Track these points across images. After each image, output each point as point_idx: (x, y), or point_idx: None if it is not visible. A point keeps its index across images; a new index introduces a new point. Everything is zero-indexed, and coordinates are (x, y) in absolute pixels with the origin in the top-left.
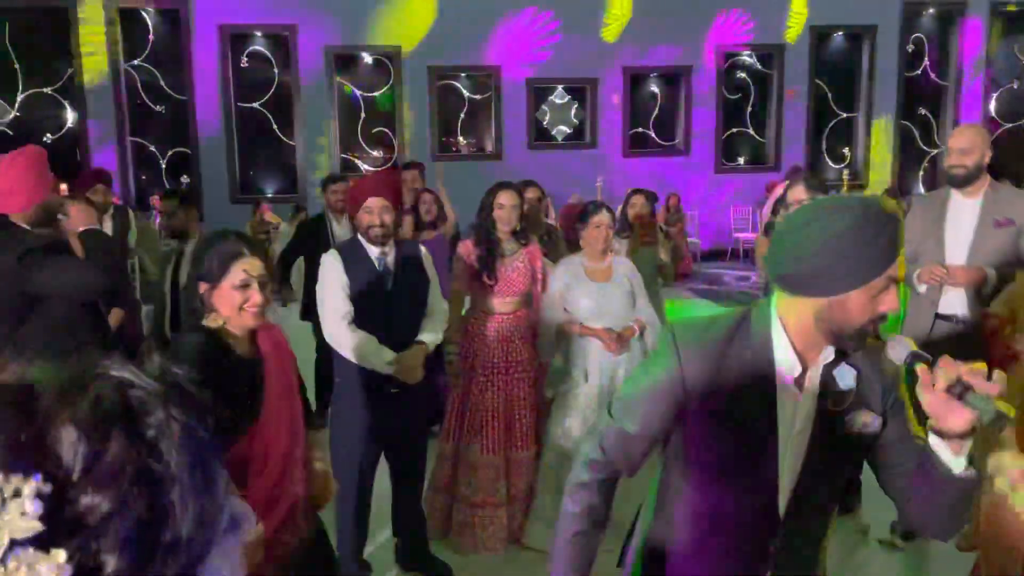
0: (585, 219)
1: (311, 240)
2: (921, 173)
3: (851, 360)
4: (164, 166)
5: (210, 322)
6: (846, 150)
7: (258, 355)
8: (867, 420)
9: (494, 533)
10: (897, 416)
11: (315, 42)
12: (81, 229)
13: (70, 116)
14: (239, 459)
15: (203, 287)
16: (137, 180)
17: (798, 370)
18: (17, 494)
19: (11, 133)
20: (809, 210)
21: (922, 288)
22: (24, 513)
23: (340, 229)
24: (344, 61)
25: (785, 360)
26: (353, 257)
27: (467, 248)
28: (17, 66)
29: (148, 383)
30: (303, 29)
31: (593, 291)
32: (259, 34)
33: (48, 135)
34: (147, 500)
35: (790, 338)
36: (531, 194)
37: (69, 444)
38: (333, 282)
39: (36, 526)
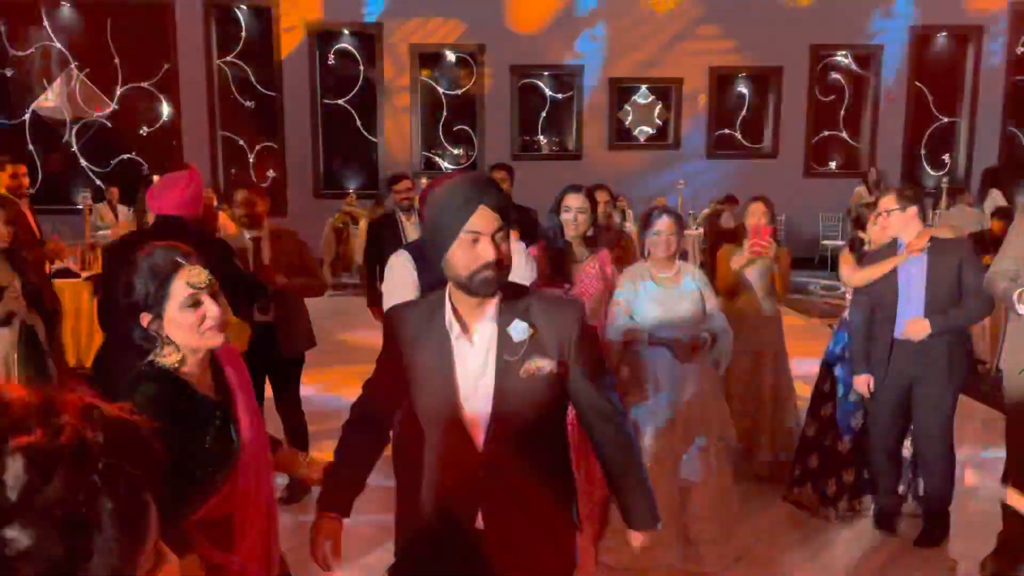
0: (647, 225)
1: (384, 239)
2: None
3: (528, 314)
4: (252, 160)
5: (166, 359)
6: (946, 156)
7: (227, 390)
8: (540, 364)
9: (584, 552)
10: (579, 361)
11: (400, 40)
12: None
13: (165, 110)
14: (221, 515)
15: (146, 319)
16: (226, 173)
17: (457, 328)
18: None
19: (110, 125)
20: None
21: (1022, 309)
22: None
23: (411, 227)
24: (428, 59)
25: (451, 323)
26: (423, 257)
27: (538, 252)
28: (117, 61)
29: (109, 423)
30: (388, 27)
31: (660, 299)
32: (346, 32)
33: (144, 127)
34: (68, 545)
35: (454, 305)
36: (601, 197)
37: (14, 474)
38: (403, 283)
39: None
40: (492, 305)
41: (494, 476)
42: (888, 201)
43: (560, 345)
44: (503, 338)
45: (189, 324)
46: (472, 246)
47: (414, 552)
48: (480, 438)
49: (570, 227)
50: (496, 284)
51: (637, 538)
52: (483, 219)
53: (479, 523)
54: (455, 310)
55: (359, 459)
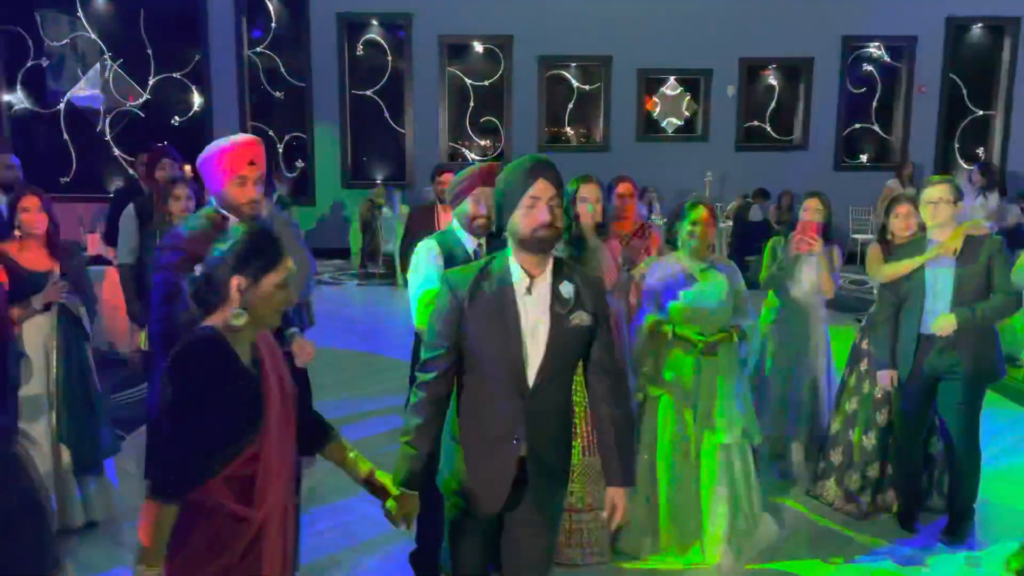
0: (682, 216)
1: (423, 227)
2: None
3: (571, 278)
4: (281, 150)
5: (235, 320)
6: (980, 150)
7: (258, 365)
8: (583, 318)
9: (601, 538)
10: (600, 319)
11: (429, 30)
12: None
13: (197, 100)
14: (243, 475)
15: (239, 282)
16: None
17: (527, 281)
18: None
19: (143, 115)
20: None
21: None
22: None
23: (446, 217)
24: (455, 50)
25: (519, 278)
26: (450, 248)
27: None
28: (150, 51)
29: None
30: (418, 17)
31: (689, 291)
32: (375, 22)
33: (176, 118)
34: None
35: (520, 264)
36: (622, 188)
37: None
38: (429, 272)
39: None
40: (549, 266)
41: (535, 407)
42: (944, 191)
43: (594, 305)
44: (556, 293)
45: (277, 301)
46: (532, 210)
47: (467, 472)
48: (531, 375)
49: (587, 217)
50: (551, 242)
51: (611, 498)
52: (541, 188)
53: (519, 441)
54: (522, 268)
55: (432, 440)
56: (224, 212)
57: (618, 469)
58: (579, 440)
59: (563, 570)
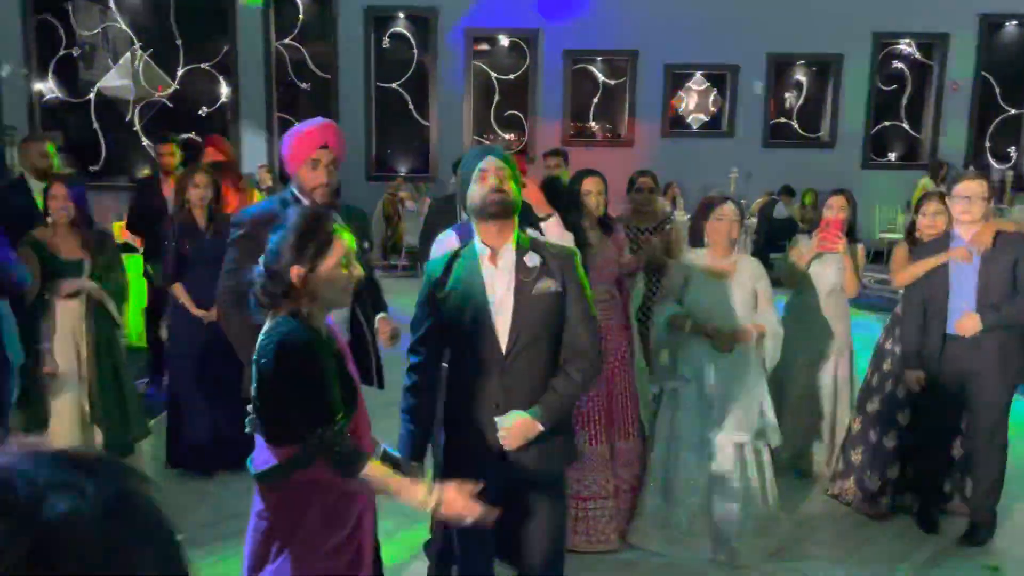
0: (708, 211)
1: (443, 219)
2: None
3: (537, 250)
4: None
5: (306, 305)
6: (1012, 149)
7: (338, 345)
8: (549, 284)
9: (607, 524)
10: (571, 290)
11: (455, 24)
12: None
13: (224, 91)
14: None
15: (297, 271)
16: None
17: (488, 252)
18: None
19: (171, 105)
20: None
21: None
22: None
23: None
24: (481, 43)
25: (482, 251)
26: (469, 238)
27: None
28: (179, 42)
29: None
30: (444, 11)
31: (710, 288)
32: (402, 15)
33: (204, 108)
34: None
35: (482, 238)
36: (643, 182)
37: None
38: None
39: None
40: (510, 237)
41: (512, 376)
42: (979, 187)
43: (562, 274)
44: (520, 264)
45: (340, 282)
46: (481, 181)
47: (451, 444)
48: (503, 344)
49: (589, 211)
50: (502, 207)
51: (518, 417)
52: (488, 161)
53: (497, 412)
54: (484, 242)
55: (428, 416)
56: (299, 196)
57: (542, 403)
58: (587, 429)
59: (570, 557)
